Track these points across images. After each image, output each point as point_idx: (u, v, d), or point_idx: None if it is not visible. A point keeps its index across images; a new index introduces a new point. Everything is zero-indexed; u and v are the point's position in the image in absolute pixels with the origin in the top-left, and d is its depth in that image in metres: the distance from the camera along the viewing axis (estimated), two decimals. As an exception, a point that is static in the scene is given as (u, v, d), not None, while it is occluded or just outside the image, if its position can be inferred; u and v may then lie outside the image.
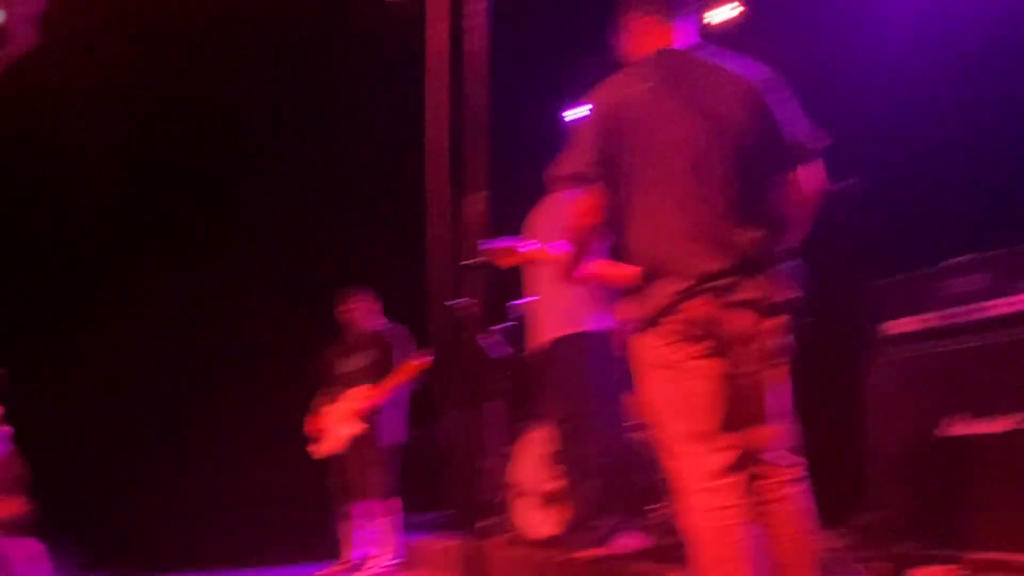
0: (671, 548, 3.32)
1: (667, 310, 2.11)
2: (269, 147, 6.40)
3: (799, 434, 2.19)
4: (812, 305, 2.26)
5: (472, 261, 1.91)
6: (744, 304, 2.10)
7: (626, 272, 2.89)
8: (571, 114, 5.72)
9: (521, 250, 3.08)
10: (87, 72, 5.35)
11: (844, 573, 2.73)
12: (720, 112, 2.17)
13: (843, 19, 4.20)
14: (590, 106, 2.30)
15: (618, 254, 2.41)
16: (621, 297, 3.44)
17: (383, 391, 5.03)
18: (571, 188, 2.29)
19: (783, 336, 2.14)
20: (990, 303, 2.85)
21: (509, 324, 4.45)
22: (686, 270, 2.10)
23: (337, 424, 5.13)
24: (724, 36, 4.72)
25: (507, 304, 4.33)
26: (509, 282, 3.84)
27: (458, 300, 4.03)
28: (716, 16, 4.96)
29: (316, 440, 5.22)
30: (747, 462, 2.08)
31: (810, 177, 2.25)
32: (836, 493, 3.14)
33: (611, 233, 2.33)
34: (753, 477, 2.09)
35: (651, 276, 2.16)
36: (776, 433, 2.14)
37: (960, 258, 2.98)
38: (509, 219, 3.46)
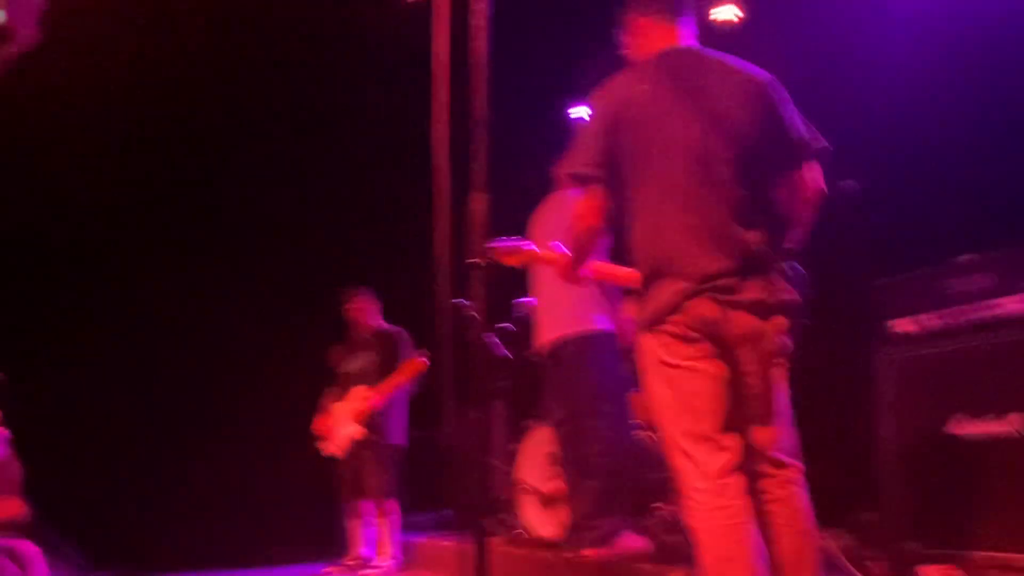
0: (675, 547, 3.33)
1: (671, 311, 2.11)
2: (273, 146, 6.38)
3: (800, 434, 2.19)
4: (816, 305, 2.26)
5: (477, 260, 1.90)
6: (746, 305, 2.10)
7: (628, 272, 2.89)
8: (575, 112, 5.72)
9: (526, 249, 3.08)
10: (88, 70, 5.33)
11: (844, 573, 2.73)
12: (723, 112, 2.17)
13: (844, 19, 4.21)
14: (593, 105, 2.30)
15: (620, 254, 2.41)
16: (624, 297, 3.46)
17: (382, 392, 5.03)
18: (573, 188, 2.29)
19: (784, 337, 2.14)
20: (995, 302, 2.85)
21: (513, 323, 4.45)
22: (689, 270, 2.10)
23: (340, 424, 5.13)
24: (723, 38, 4.73)
25: (511, 303, 4.33)
26: (514, 281, 3.84)
27: (462, 299, 4.04)
28: (718, 14, 4.96)
29: (323, 439, 5.22)
30: (748, 462, 2.09)
31: (808, 179, 2.25)
32: (839, 492, 3.15)
33: (614, 233, 2.34)
34: (754, 477, 2.09)
35: (654, 276, 2.16)
36: (776, 433, 2.14)
37: (964, 257, 2.98)
38: (513, 218, 3.47)
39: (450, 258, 2.03)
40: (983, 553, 2.65)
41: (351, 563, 5.08)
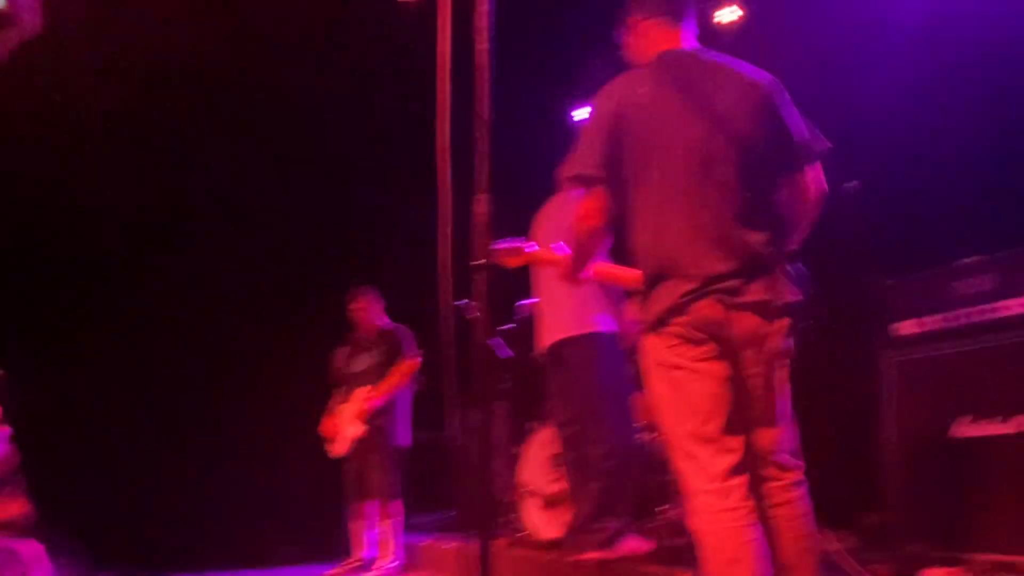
0: (678, 550, 3.32)
1: (673, 312, 2.10)
2: (275, 146, 6.38)
3: (804, 436, 2.19)
4: (821, 306, 2.25)
5: (480, 261, 1.90)
6: (750, 306, 2.09)
7: (630, 274, 2.89)
8: (579, 114, 5.72)
9: (528, 251, 3.08)
10: (88, 68, 5.34)
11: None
12: (726, 113, 2.16)
13: (846, 20, 4.20)
14: (595, 107, 2.30)
15: (622, 255, 2.40)
16: (627, 299, 3.45)
17: (380, 392, 5.03)
18: (576, 189, 2.29)
19: (787, 338, 2.14)
20: (999, 304, 2.84)
21: (516, 325, 4.44)
22: (692, 271, 2.10)
23: (345, 424, 5.13)
24: (725, 40, 4.73)
25: (514, 305, 4.33)
26: (517, 283, 3.84)
27: (464, 301, 4.04)
28: (720, 17, 4.96)
29: (330, 440, 5.22)
30: (753, 464, 2.08)
31: (810, 181, 2.25)
32: (844, 494, 3.15)
33: (616, 234, 2.33)
34: (757, 480, 2.09)
35: (657, 278, 2.16)
36: (779, 436, 2.14)
37: (968, 259, 2.97)
38: (516, 220, 3.46)
39: (453, 259, 2.03)
40: (987, 555, 2.64)
41: (354, 564, 5.08)
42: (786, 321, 2.13)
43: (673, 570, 3.18)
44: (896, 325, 3.14)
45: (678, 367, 2.10)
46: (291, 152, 6.46)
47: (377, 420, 5.02)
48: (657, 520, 3.72)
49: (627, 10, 2.43)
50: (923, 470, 2.92)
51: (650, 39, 2.37)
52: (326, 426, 5.23)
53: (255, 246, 6.59)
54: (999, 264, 2.89)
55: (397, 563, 4.98)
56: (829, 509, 2.61)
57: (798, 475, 2.14)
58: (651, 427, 3.89)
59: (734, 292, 2.09)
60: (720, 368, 2.09)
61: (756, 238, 2.12)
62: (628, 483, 3.45)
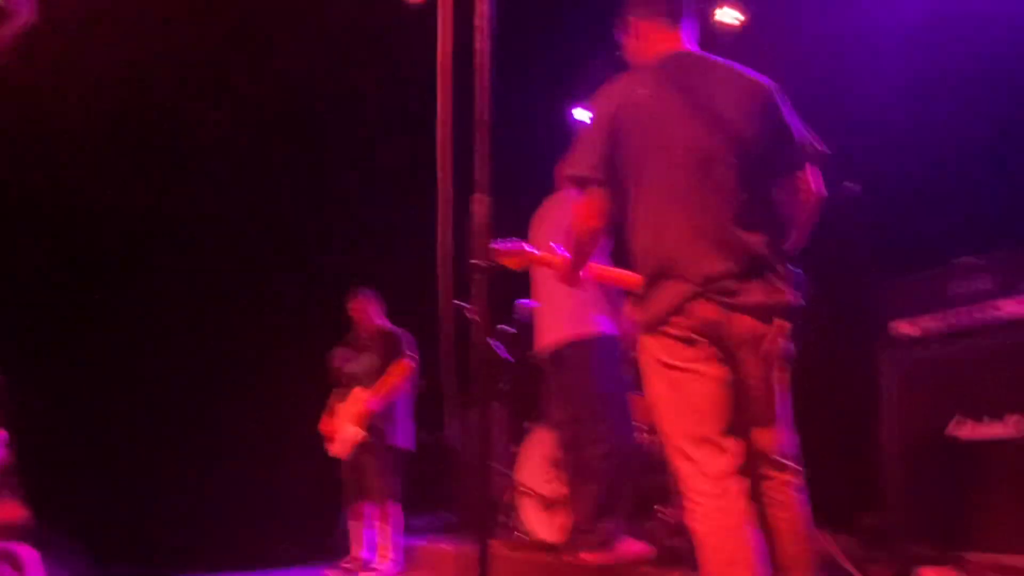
0: (676, 551, 3.32)
1: (672, 312, 2.10)
2: (276, 146, 6.37)
3: (803, 436, 2.19)
4: (820, 307, 2.25)
5: (479, 261, 1.90)
6: (749, 307, 2.10)
7: (628, 275, 2.89)
8: (578, 113, 5.72)
9: (526, 251, 3.07)
10: (90, 68, 5.33)
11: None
12: (726, 115, 2.17)
13: (844, 22, 4.21)
14: (595, 108, 2.30)
15: (620, 256, 2.40)
16: (625, 299, 3.45)
17: (376, 394, 5.02)
18: (574, 189, 2.29)
19: (786, 340, 2.14)
20: (996, 304, 2.85)
21: (514, 326, 4.44)
22: (691, 272, 2.10)
23: (343, 425, 5.13)
24: (724, 42, 4.73)
25: (513, 306, 4.33)
26: (516, 283, 3.84)
27: (464, 301, 4.04)
28: (719, 18, 4.96)
29: (330, 440, 5.21)
30: (751, 465, 2.08)
31: (808, 184, 2.26)
32: (842, 495, 3.15)
33: (615, 236, 2.33)
34: (755, 480, 2.09)
35: (656, 278, 2.16)
36: (778, 437, 2.14)
37: (965, 259, 2.98)
38: (515, 220, 3.46)
39: (453, 260, 2.03)
40: (985, 555, 2.65)
41: (350, 565, 5.08)
42: (785, 322, 2.13)
43: (671, 571, 3.18)
44: (894, 325, 3.14)
45: (677, 368, 2.10)
46: (291, 153, 6.46)
47: (376, 422, 5.02)
48: (655, 521, 3.72)
49: (626, 11, 2.43)
50: (922, 470, 2.92)
51: (649, 40, 2.38)
52: (325, 425, 5.23)
53: (255, 247, 6.58)
54: (997, 264, 2.89)
55: (395, 565, 4.97)
56: (828, 509, 2.61)
57: (797, 476, 2.14)
58: (650, 428, 3.89)
59: (733, 293, 2.09)
60: (719, 369, 2.09)
61: (755, 239, 2.12)
62: (627, 485, 3.44)
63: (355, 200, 6.55)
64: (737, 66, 2.28)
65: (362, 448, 5.02)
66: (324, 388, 5.39)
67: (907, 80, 3.87)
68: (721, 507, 2.01)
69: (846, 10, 4.19)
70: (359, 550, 5.11)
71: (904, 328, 3.12)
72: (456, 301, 2.16)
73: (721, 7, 4.95)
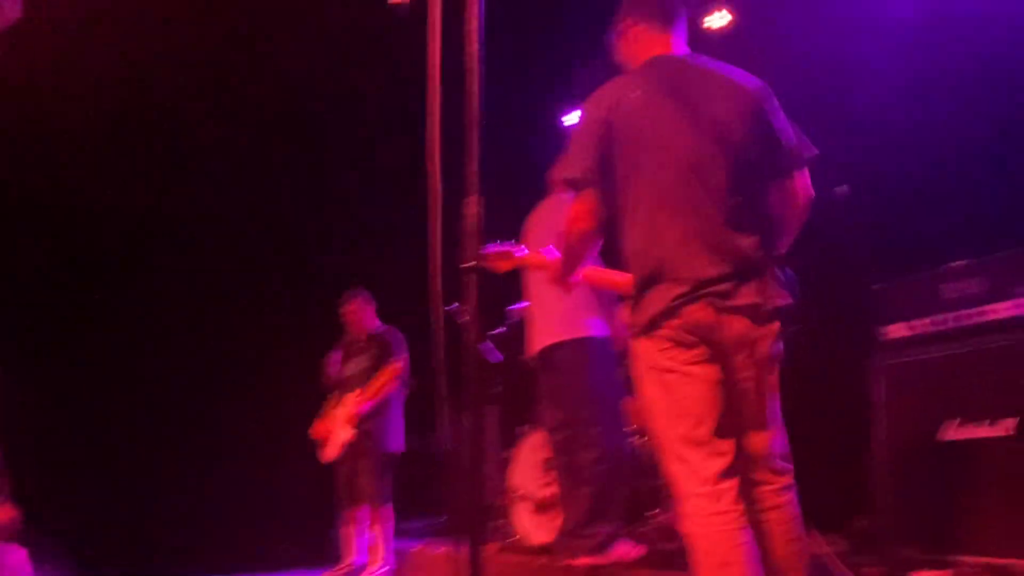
0: (670, 554, 3.32)
1: (664, 315, 2.10)
2: (276, 148, 6.36)
3: (794, 439, 2.19)
4: (811, 310, 2.26)
5: (470, 263, 1.89)
6: (741, 310, 2.10)
7: (621, 277, 2.89)
8: (569, 119, 5.73)
9: (518, 254, 3.07)
10: (90, 68, 5.32)
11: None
12: (717, 118, 2.17)
13: (835, 25, 4.22)
14: (587, 111, 2.30)
15: (612, 259, 2.40)
16: (619, 303, 3.45)
17: (366, 397, 5.01)
18: (567, 192, 2.29)
19: (777, 342, 2.14)
20: (987, 308, 2.86)
21: (507, 329, 4.44)
22: (683, 275, 2.10)
23: (336, 428, 5.12)
24: (715, 45, 4.75)
25: (505, 309, 4.32)
26: (508, 287, 3.84)
27: (455, 305, 4.03)
28: (709, 22, 4.98)
29: (321, 443, 5.20)
30: (743, 468, 2.08)
31: (798, 187, 2.27)
32: (835, 498, 3.15)
33: (607, 238, 2.34)
34: (749, 483, 2.09)
35: (648, 281, 2.16)
36: (771, 440, 2.14)
37: (956, 262, 2.99)
38: (507, 223, 3.46)
39: (444, 262, 2.02)
40: (976, 558, 2.65)
41: (345, 570, 5.06)
42: (776, 325, 2.13)
43: (664, 574, 3.18)
44: (885, 329, 3.15)
45: (669, 370, 2.10)
46: (292, 153, 6.44)
47: (367, 424, 5.00)
48: (648, 524, 3.72)
49: (618, 15, 2.44)
50: (913, 473, 2.93)
51: (641, 44, 2.38)
52: (317, 429, 5.22)
53: (254, 247, 6.56)
54: (987, 268, 2.90)
55: (387, 569, 4.95)
56: (819, 513, 2.62)
57: (788, 479, 2.15)
58: (642, 431, 3.89)
59: (725, 296, 2.09)
60: (711, 371, 2.09)
61: (746, 242, 2.12)
62: (619, 488, 3.44)
63: (355, 201, 6.55)
64: (728, 69, 2.29)
65: (354, 452, 5.01)
66: (320, 392, 5.37)
67: (902, 81, 3.88)
68: (715, 510, 2.01)
69: (834, 14, 4.20)
70: (352, 555, 5.10)
71: (895, 331, 3.13)
72: (448, 304, 2.15)
73: (713, 9, 4.98)
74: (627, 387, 3.57)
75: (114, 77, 5.43)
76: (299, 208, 6.65)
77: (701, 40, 2.54)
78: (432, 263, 2.01)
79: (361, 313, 5.31)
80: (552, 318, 3.56)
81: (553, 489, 3.91)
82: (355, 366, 5.20)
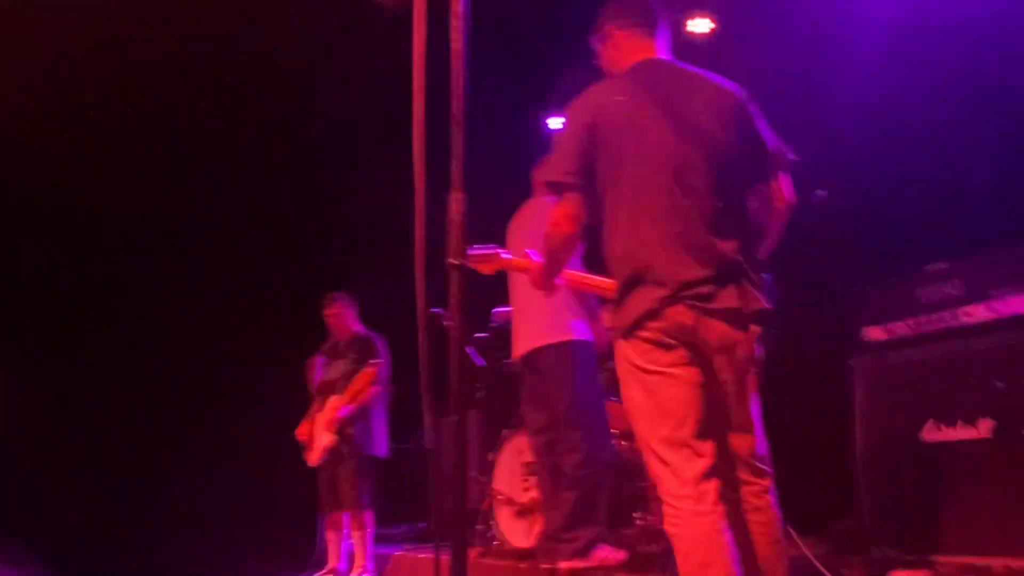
0: (651, 557, 3.33)
1: (647, 317, 2.11)
2: (276, 148, 6.34)
3: (775, 442, 2.21)
4: (791, 314, 2.27)
5: (454, 261, 1.88)
6: (722, 313, 2.11)
7: (603, 281, 2.89)
8: (554, 122, 5.75)
9: (503, 257, 3.07)
10: (90, 68, 5.29)
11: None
12: (700, 123, 2.19)
13: (817, 30, 4.26)
14: (571, 115, 2.31)
15: (594, 262, 2.40)
16: (602, 305, 3.46)
17: (346, 401, 4.98)
18: (549, 195, 2.30)
19: (757, 345, 2.16)
20: (964, 310, 2.89)
21: (491, 332, 4.43)
22: (665, 278, 2.11)
23: (319, 433, 5.08)
24: (697, 49, 4.78)
25: (490, 311, 4.32)
26: (493, 289, 3.83)
27: (439, 308, 4.01)
28: (692, 27, 5.02)
29: (306, 446, 5.16)
30: (726, 470, 2.09)
31: (778, 192, 2.29)
32: (815, 500, 3.17)
33: (590, 242, 2.34)
34: (731, 485, 2.10)
35: (631, 284, 2.17)
36: (752, 441, 2.16)
37: (934, 265, 3.02)
38: (491, 224, 3.47)
39: (429, 265, 2.01)
40: (955, 558, 2.68)
41: (327, 575, 5.02)
42: (757, 328, 2.15)
43: (646, 576, 3.19)
44: (864, 331, 3.18)
45: (651, 372, 2.11)
46: (291, 154, 6.42)
47: (348, 429, 4.97)
48: (631, 528, 3.72)
49: (603, 20, 2.45)
50: (893, 475, 2.95)
51: (625, 49, 2.40)
52: (302, 431, 5.18)
53: (249, 249, 6.53)
54: (964, 270, 2.94)
55: (367, 575, 4.92)
56: (801, 514, 2.63)
57: (769, 481, 2.16)
58: (626, 435, 3.89)
59: (706, 298, 2.10)
60: (693, 373, 2.10)
61: (727, 246, 2.14)
62: (602, 491, 3.44)
63: (353, 201, 6.52)
64: (711, 75, 2.31)
65: (336, 457, 4.97)
66: (303, 396, 5.34)
67: (881, 86, 3.92)
68: (697, 511, 2.02)
69: (814, 20, 4.24)
70: (335, 561, 5.06)
71: (875, 334, 3.16)
72: (432, 307, 2.14)
73: (694, 18, 5.01)
74: (610, 390, 3.58)
75: (112, 77, 5.41)
76: (301, 208, 6.63)
77: (682, 46, 2.55)
78: (417, 266, 1.99)
79: (343, 315, 5.28)
80: (536, 321, 3.56)
81: (534, 493, 3.91)
82: (336, 370, 5.18)
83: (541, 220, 2.47)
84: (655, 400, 2.10)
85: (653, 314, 2.10)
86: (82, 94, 5.41)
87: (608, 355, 3.36)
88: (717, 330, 2.11)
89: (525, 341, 3.63)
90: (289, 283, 6.44)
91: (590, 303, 3.54)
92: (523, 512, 4.07)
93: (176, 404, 6.30)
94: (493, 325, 4.45)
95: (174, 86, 5.68)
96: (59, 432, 5.69)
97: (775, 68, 4.03)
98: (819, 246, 3.47)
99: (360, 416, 4.99)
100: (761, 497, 2.13)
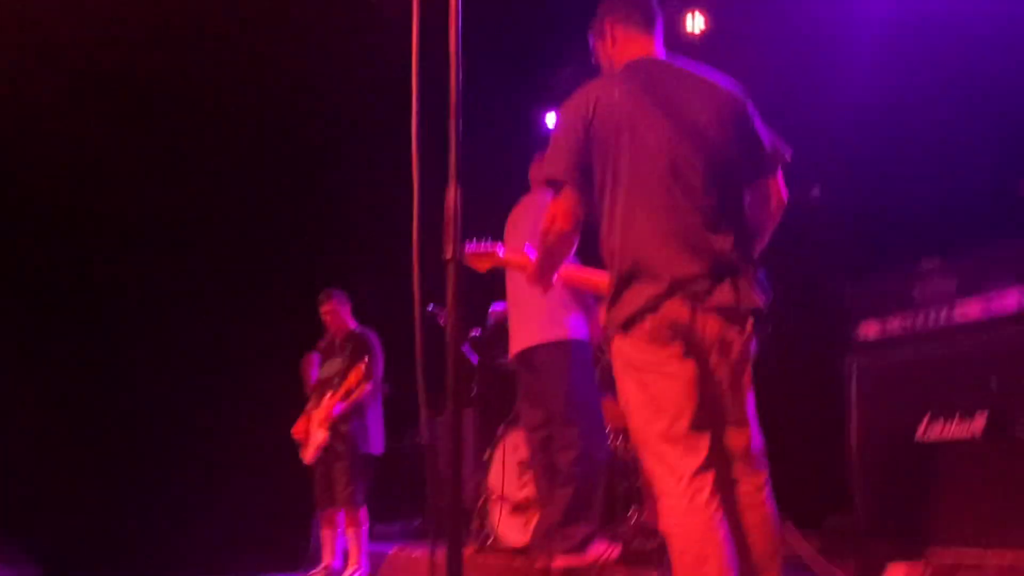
0: (647, 553, 3.33)
1: (643, 312, 2.12)
2: (276, 149, 6.32)
3: (770, 438, 2.21)
4: (787, 310, 2.28)
5: (451, 252, 1.87)
6: (717, 309, 2.11)
7: (599, 277, 2.89)
8: (551, 119, 5.75)
9: (499, 254, 3.06)
10: (89, 68, 5.27)
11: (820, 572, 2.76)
12: (694, 121, 2.19)
13: (812, 27, 4.27)
14: (567, 112, 2.31)
15: (593, 260, 2.40)
16: (598, 303, 3.46)
17: (338, 398, 4.97)
18: (546, 191, 2.30)
19: (751, 342, 2.16)
20: (958, 306, 2.90)
21: (488, 329, 4.43)
22: (662, 273, 2.12)
23: (314, 430, 5.08)
24: (690, 47, 4.78)
25: (487, 309, 4.32)
26: (489, 286, 3.83)
27: (436, 305, 4.02)
28: (686, 25, 5.02)
29: (302, 443, 5.15)
30: (721, 465, 2.10)
31: (773, 189, 2.30)
32: (810, 496, 3.18)
33: (584, 237, 2.34)
34: (726, 480, 2.10)
35: (626, 280, 2.17)
36: (748, 437, 2.16)
37: (927, 261, 3.03)
38: (487, 221, 3.46)
39: (423, 262, 2.00)
40: (951, 551, 2.69)
41: (321, 573, 5.02)
42: (751, 324, 2.15)
43: (643, 572, 3.19)
44: (859, 328, 3.19)
45: (647, 368, 2.11)
46: (292, 153, 6.40)
47: (342, 426, 4.96)
48: (626, 525, 3.73)
49: (600, 16, 2.45)
50: (888, 471, 2.96)
51: (621, 46, 2.40)
52: (298, 429, 5.18)
53: (246, 248, 6.52)
54: (958, 266, 2.94)
55: (361, 572, 4.91)
56: (795, 510, 2.64)
57: (764, 476, 2.16)
58: (621, 432, 3.90)
59: (701, 294, 2.11)
60: (688, 369, 2.10)
61: (723, 242, 2.15)
62: (598, 489, 3.44)
63: (332, 201, 6.51)
64: (706, 72, 2.31)
65: (330, 454, 4.96)
66: (296, 392, 5.33)
67: (875, 82, 3.92)
68: (692, 506, 2.02)
69: (808, 18, 4.25)
70: (330, 559, 5.05)
71: (868, 330, 3.16)
72: (428, 304, 2.14)
73: (687, 15, 5.01)
74: (606, 387, 3.58)
75: (113, 77, 5.39)
76: (301, 208, 6.62)
77: (676, 43, 2.55)
78: (414, 260, 1.98)
79: (339, 312, 5.27)
80: (532, 319, 3.56)
81: (529, 491, 3.91)
82: (331, 367, 5.17)
83: (538, 216, 2.47)
84: (650, 395, 2.11)
85: (649, 309, 2.11)
86: (82, 94, 5.40)
87: (604, 352, 3.37)
88: (712, 326, 2.11)
89: (521, 339, 3.63)
90: (288, 282, 6.43)
91: (586, 300, 3.54)
92: (518, 509, 4.08)
93: (173, 401, 6.28)
94: (489, 323, 4.45)
95: (174, 85, 5.67)
96: (56, 432, 5.67)
97: (769, 64, 4.03)
98: (814, 242, 3.48)
99: (354, 413, 4.98)
100: (756, 493, 2.14)
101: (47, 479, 5.51)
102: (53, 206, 5.96)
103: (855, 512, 3.01)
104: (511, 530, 4.07)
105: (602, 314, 3.18)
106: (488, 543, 4.17)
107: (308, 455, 5.07)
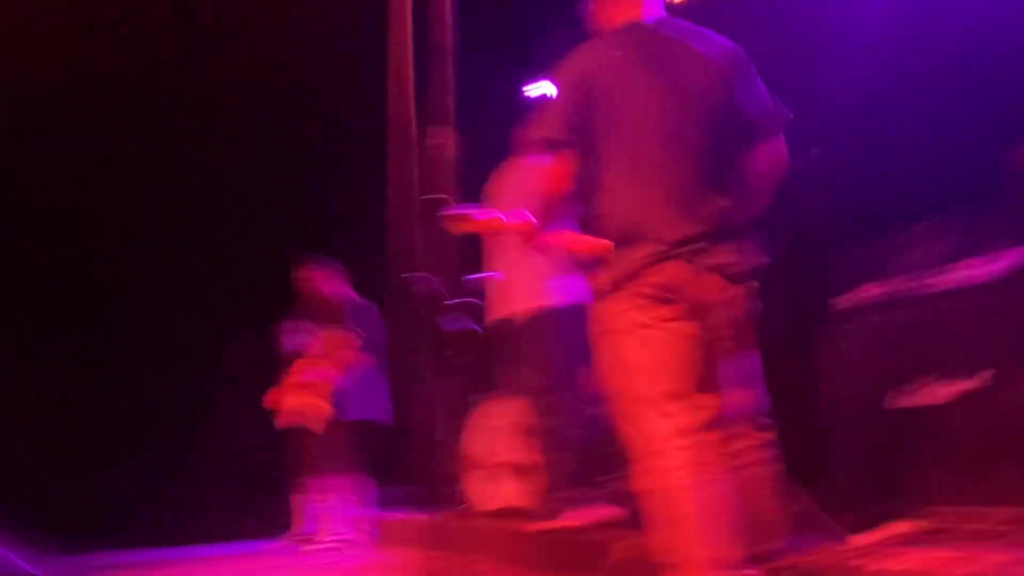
0: (635, 516, 3.35)
1: (638, 273, 2.11)
2: (275, 149, 6.22)
3: (769, 399, 2.22)
4: (781, 273, 2.28)
5: (436, 196, 1.82)
6: (715, 269, 2.12)
7: (596, 241, 2.86)
8: (531, 89, 5.66)
9: (477, 218, 3.00)
10: (88, 69, 5.14)
11: (816, 531, 2.79)
12: (688, 85, 2.18)
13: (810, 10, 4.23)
14: (562, 73, 2.27)
15: (585, 224, 2.38)
16: (591, 267, 3.43)
17: (311, 365, 4.95)
18: (542, 153, 2.27)
19: (752, 302, 2.16)
20: (947, 269, 2.93)
21: (471, 297, 4.39)
22: (657, 235, 2.11)
23: (287, 397, 5.06)
24: (689, 10, 4.71)
25: (464, 277, 4.27)
26: (470, 252, 3.79)
27: (418, 273, 3.96)
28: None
29: (277, 412, 5.13)
30: (725, 424, 2.10)
31: (773, 151, 2.28)
32: (807, 455, 3.21)
33: (580, 201, 2.32)
34: (730, 439, 2.11)
35: (622, 242, 2.16)
36: (746, 397, 2.17)
37: (919, 225, 3.06)
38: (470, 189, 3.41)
39: (403, 228, 1.95)
40: (950, 508, 2.74)
41: (295, 539, 5.02)
42: (751, 284, 2.16)
43: (645, 533, 3.20)
44: (851, 291, 3.21)
45: (648, 326, 2.11)
46: (291, 153, 6.30)
47: (322, 392, 4.94)
48: (609, 488, 3.74)
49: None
50: (881, 432, 3.00)
51: (614, 9, 2.36)
52: (270, 398, 5.15)
53: (251, 246, 6.43)
54: (947, 231, 2.97)
55: (340, 539, 4.91)
56: (794, 469, 2.65)
57: (770, 435, 2.17)
58: (607, 397, 3.89)
59: (701, 254, 2.11)
60: (688, 327, 2.11)
61: (721, 204, 2.15)
62: (596, 451, 3.44)
63: (318, 176, 6.43)
64: (702, 33, 2.29)
65: (307, 421, 4.95)
66: (279, 358, 5.30)
67: (872, 46, 3.91)
68: (698, 461, 2.02)
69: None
70: (303, 524, 5.06)
71: (860, 293, 3.19)
72: (408, 275, 2.10)
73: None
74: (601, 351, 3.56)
75: (111, 78, 5.27)
76: (300, 206, 6.54)
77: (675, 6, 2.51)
78: (394, 228, 1.94)
79: (315, 279, 5.23)
80: (526, 284, 3.52)
81: (534, 455, 3.90)
82: (308, 335, 5.14)
83: (530, 181, 2.43)
84: (654, 353, 2.10)
85: (648, 269, 2.10)
86: (82, 93, 5.28)
87: (599, 315, 3.33)
88: (712, 285, 2.12)
89: (506, 305, 3.60)
90: (288, 282, 6.36)
91: (581, 264, 3.50)
92: (518, 473, 4.06)
93: (173, 401, 6.23)
94: (469, 289, 4.41)
95: (174, 85, 5.55)
96: (56, 432, 5.61)
97: (767, 28, 3.99)
98: (809, 205, 3.47)
99: (333, 379, 4.95)
100: (761, 451, 2.15)
101: (47, 479, 5.46)
102: (53, 206, 5.85)
103: (849, 472, 3.05)
104: (489, 496, 4.05)
105: (596, 276, 3.17)
106: (470, 508, 4.16)
107: (284, 421, 5.07)
